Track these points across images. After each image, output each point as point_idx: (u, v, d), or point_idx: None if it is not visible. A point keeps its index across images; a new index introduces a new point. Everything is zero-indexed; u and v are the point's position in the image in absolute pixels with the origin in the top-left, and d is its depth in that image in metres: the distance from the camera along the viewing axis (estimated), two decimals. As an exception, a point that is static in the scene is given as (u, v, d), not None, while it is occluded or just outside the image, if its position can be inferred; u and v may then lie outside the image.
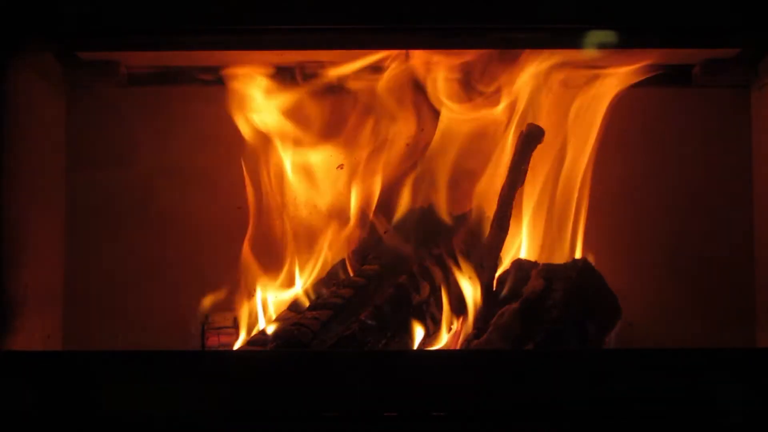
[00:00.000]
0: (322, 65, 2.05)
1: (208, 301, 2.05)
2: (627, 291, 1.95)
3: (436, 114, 2.06)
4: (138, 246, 2.15)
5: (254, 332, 1.96)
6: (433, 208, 2.03)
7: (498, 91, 2.05)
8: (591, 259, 1.98)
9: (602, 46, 1.81)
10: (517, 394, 1.64)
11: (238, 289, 2.05)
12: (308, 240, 2.08)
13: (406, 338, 1.87)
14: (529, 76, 2.01)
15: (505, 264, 2.02)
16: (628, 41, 1.86)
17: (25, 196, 1.94)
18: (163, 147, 2.15)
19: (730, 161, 2.15)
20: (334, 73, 2.05)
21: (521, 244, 2.06)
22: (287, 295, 2.02)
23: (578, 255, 2.02)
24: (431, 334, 1.92)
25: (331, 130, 2.10)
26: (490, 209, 2.02)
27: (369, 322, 1.82)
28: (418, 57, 2.02)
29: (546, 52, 1.98)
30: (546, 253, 2.06)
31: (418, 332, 1.89)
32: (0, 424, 1.64)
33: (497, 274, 1.98)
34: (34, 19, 1.77)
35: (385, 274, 1.95)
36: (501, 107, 2.05)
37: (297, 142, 2.09)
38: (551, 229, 2.06)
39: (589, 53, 1.90)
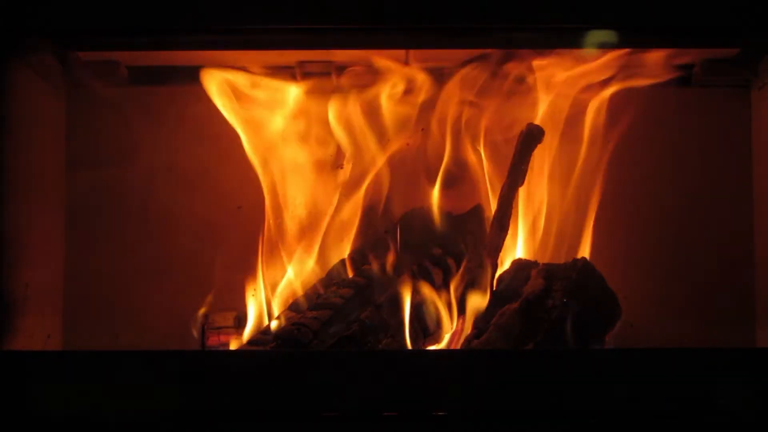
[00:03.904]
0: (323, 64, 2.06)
1: (207, 301, 2.05)
2: (627, 291, 1.95)
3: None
4: (138, 246, 2.16)
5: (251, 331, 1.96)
6: (434, 208, 2.03)
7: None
8: (591, 258, 1.99)
9: (602, 46, 1.81)
10: (517, 394, 1.64)
11: (238, 288, 2.05)
12: (308, 240, 2.08)
13: (406, 338, 1.86)
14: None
15: (505, 264, 2.02)
16: (628, 41, 1.86)
17: (25, 196, 1.94)
18: (163, 147, 2.16)
19: (730, 161, 2.15)
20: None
21: (521, 244, 2.07)
22: (287, 295, 2.02)
23: (587, 254, 2.02)
24: (431, 334, 1.92)
25: (330, 130, 2.09)
26: (490, 209, 2.02)
27: (369, 322, 1.82)
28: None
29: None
30: (548, 253, 2.06)
31: (419, 332, 1.89)
32: (0, 424, 1.64)
33: (497, 274, 1.98)
34: (34, 19, 1.77)
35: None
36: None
37: (296, 142, 2.09)
38: (553, 229, 2.07)
39: (589, 53, 1.91)
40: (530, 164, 2.00)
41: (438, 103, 2.06)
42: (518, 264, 2.00)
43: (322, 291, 1.96)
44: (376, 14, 1.76)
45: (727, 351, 1.73)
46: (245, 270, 2.05)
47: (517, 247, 2.06)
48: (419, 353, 1.83)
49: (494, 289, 1.96)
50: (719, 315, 2.12)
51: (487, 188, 2.08)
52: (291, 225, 2.08)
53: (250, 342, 1.87)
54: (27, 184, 1.94)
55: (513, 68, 2.03)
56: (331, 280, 2.00)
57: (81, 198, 2.14)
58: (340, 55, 2.03)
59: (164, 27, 1.80)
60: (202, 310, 2.05)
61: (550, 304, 1.86)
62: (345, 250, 2.06)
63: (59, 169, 2.12)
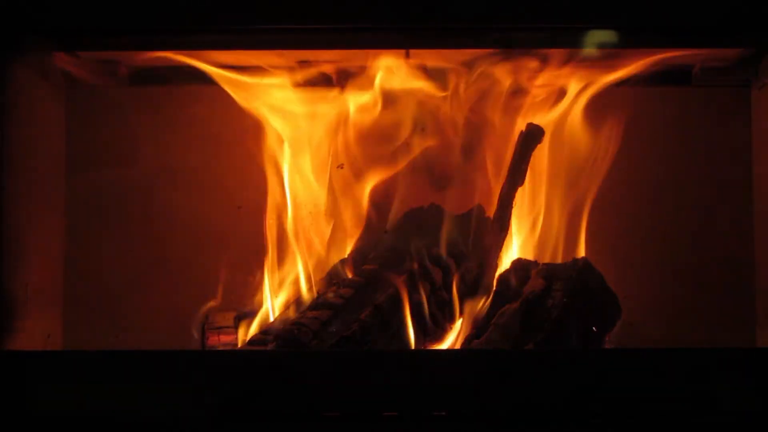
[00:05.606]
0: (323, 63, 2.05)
1: (207, 301, 2.05)
2: (627, 291, 1.95)
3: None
4: (138, 246, 2.16)
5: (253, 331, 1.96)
6: (433, 208, 2.03)
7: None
8: (591, 258, 1.99)
9: (602, 46, 1.81)
10: (518, 394, 1.64)
11: (238, 288, 2.05)
12: (309, 240, 2.08)
13: (406, 338, 1.86)
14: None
15: (505, 264, 2.02)
16: (628, 41, 1.86)
17: (26, 196, 1.94)
18: (163, 147, 2.16)
19: (730, 161, 2.15)
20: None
21: (521, 244, 2.07)
22: (287, 295, 2.02)
23: (582, 253, 2.02)
24: (431, 334, 1.92)
25: (331, 130, 2.09)
26: (490, 209, 2.02)
27: (369, 322, 1.82)
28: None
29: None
30: (546, 253, 2.06)
31: (418, 332, 1.89)
32: (1, 424, 1.64)
33: (497, 274, 1.98)
34: (34, 19, 1.77)
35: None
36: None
37: (297, 141, 2.09)
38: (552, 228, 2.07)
39: (589, 53, 1.91)
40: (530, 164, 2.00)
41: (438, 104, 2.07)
42: (518, 264, 2.00)
43: (322, 291, 1.96)
44: (376, 14, 1.76)
45: (727, 351, 1.73)
46: (245, 270, 2.05)
47: (518, 247, 2.06)
48: (419, 353, 1.83)
49: (494, 289, 1.96)
50: (719, 315, 2.12)
51: (487, 188, 2.08)
52: (292, 224, 2.08)
53: (250, 342, 1.87)
54: (27, 184, 1.94)
55: (511, 67, 2.03)
56: (331, 280, 2.00)
57: (81, 198, 2.14)
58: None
59: (164, 27, 1.80)
60: (202, 310, 2.05)
61: (550, 303, 1.86)
62: (345, 250, 2.06)
63: (59, 169, 2.12)
